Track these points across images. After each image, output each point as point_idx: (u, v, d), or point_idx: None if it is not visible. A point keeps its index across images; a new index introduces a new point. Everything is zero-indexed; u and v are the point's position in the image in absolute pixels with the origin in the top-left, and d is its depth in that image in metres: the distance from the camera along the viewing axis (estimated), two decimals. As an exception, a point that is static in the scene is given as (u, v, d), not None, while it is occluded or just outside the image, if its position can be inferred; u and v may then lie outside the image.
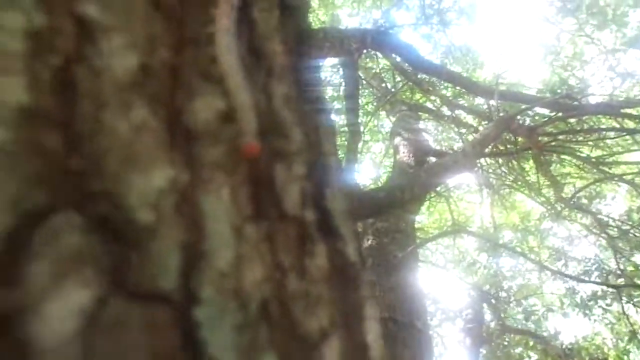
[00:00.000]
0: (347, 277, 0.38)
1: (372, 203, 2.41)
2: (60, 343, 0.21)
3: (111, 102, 0.25)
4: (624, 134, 5.29)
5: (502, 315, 7.53)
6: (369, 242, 3.90)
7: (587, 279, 6.14)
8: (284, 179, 0.32)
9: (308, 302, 0.32)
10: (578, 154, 5.72)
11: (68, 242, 0.22)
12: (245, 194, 0.30)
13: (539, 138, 4.76)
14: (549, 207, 6.78)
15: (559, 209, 6.55)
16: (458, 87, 6.40)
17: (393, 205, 2.49)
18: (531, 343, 7.89)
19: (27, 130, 0.23)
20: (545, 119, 4.86)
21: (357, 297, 0.39)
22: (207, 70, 0.29)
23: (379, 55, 6.52)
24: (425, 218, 8.25)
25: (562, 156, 5.94)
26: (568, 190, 6.45)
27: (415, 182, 2.65)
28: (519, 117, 4.89)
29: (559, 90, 5.65)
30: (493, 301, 7.33)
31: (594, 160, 5.74)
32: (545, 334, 7.79)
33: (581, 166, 6.10)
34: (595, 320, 7.38)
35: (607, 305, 7.23)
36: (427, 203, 7.42)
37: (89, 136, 0.24)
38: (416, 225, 5.71)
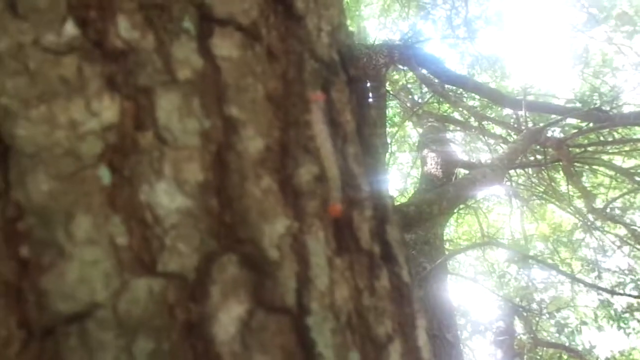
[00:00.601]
0: (403, 294, 0.49)
1: (401, 218, 2.50)
2: (229, 340, 0.33)
3: (249, 175, 0.36)
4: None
5: (534, 328, 7.43)
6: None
7: (621, 291, 6.03)
8: (359, 221, 0.43)
9: (377, 314, 0.43)
10: (610, 164, 5.68)
11: (230, 272, 0.34)
12: (332, 234, 0.41)
13: (569, 149, 4.77)
14: (580, 218, 6.71)
15: (591, 219, 6.47)
16: (485, 99, 6.44)
17: (422, 220, 2.57)
18: (565, 357, 7.75)
19: (202, 199, 0.34)
20: (575, 131, 4.86)
21: (410, 310, 0.49)
22: (307, 145, 0.40)
23: (406, 68, 6.61)
24: (454, 230, 8.26)
25: (594, 167, 5.90)
26: (600, 201, 6.39)
27: (444, 197, 2.73)
28: (548, 128, 4.90)
29: (588, 100, 5.63)
30: (524, 314, 7.25)
31: (627, 170, 5.69)
32: (579, 348, 7.65)
33: (614, 176, 6.04)
34: (630, 334, 7.22)
35: (643, 318, 7.06)
36: (455, 215, 7.43)
37: (236, 200, 0.36)
38: (445, 238, 5.75)
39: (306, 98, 0.42)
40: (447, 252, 5.06)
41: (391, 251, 0.47)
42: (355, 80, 0.51)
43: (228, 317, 0.33)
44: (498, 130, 6.96)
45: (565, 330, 7.64)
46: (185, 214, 0.33)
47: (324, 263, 0.39)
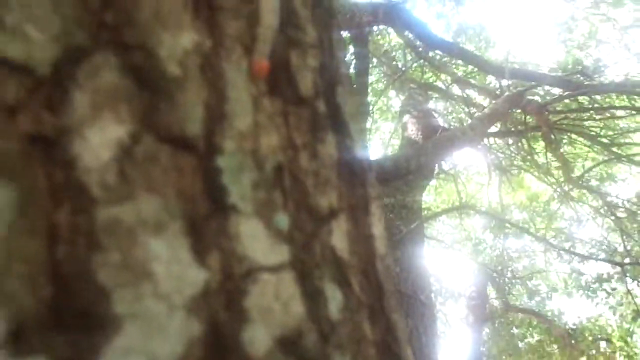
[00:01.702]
0: (354, 172, 0.40)
1: (378, 171, 2.43)
2: (100, 166, 0.24)
3: (142, -37, 0.27)
4: (636, 112, 5.23)
5: (506, 294, 7.58)
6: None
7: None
8: (299, 65, 0.34)
9: (318, 181, 0.35)
10: (588, 133, 5.68)
11: (106, 79, 0.25)
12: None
13: (549, 116, 4.73)
14: (557, 188, 6.76)
15: (568, 189, 6.53)
16: (470, 66, 6.35)
17: (399, 174, 2.51)
18: (534, 322, 7.95)
19: (67, -21, 0.25)
20: (556, 97, 4.82)
21: (363, 193, 0.41)
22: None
23: (390, 31, 6.46)
24: (432, 198, 8.27)
25: (573, 136, 5.90)
26: (578, 172, 6.42)
27: (421, 152, 2.66)
28: (529, 95, 4.85)
29: (571, 70, 5.58)
30: (498, 280, 7.37)
31: (604, 141, 5.70)
32: (549, 314, 7.85)
33: (591, 147, 6.06)
34: (598, 304, 7.41)
35: (611, 289, 7.24)
36: (434, 183, 7.43)
37: (122, -7, 0.26)
38: (423, 205, 5.73)
39: None
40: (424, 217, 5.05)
41: (341, 116, 0.38)
42: None
43: (100, 137, 0.24)
44: (480, 100, 6.89)
45: (536, 297, 7.81)
46: (41, -7, 0.24)
47: (246, 99, 0.30)
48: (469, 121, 4.77)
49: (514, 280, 7.83)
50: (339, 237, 0.35)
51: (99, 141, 0.24)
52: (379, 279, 0.40)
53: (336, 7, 0.44)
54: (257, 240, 0.28)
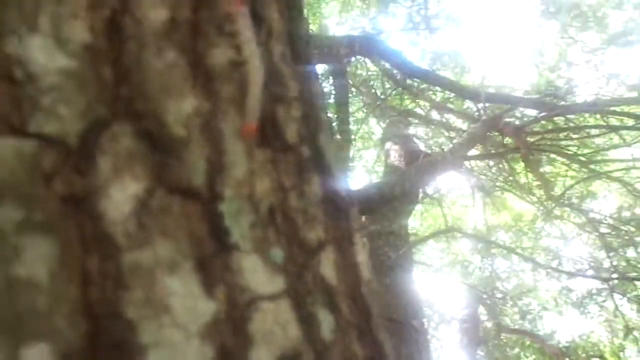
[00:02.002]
0: (338, 208, 0.45)
1: (363, 200, 2.48)
2: (122, 218, 0.28)
3: (149, 45, 0.32)
4: (609, 130, 5.40)
5: (498, 315, 7.58)
6: (363, 244, 3.95)
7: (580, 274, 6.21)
8: (284, 117, 0.39)
9: (306, 218, 0.39)
10: (566, 152, 5.83)
11: (124, 144, 0.29)
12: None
13: (527, 137, 4.87)
14: (540, 207, 6.87)
15: (550, 208, 6.64)
16: (447, 92, 6.52)
17: (384, 202, 2.56)
18: (527, 342, 7.94)
19: (89, 62, 0.30)
20: (532, 119, 4.97)
21: (347, 226, 0.46)
22: (221, 26, 0.36)
23: (368, 62, 6.63)
24: (418, 223, 8.34)
25: (552, 156, 6.05)
26: (559, 190, 6.55)
27: (405, 178, 2.73)
28: (506, 117, 5.00)
29: (545, 92, 5.77)
30: (488, 301, 7.39)
31: (582, 159, 5.85)
32: (541, 333, 7.85)
33: (570, 165, 6.21)
34: (592, 318, 7.45)
35: (602, 302, 7.30)
36: (420, 208, 7.51)
37: (133, 70, 0.31)
38: (410, 231, 5.78)
39: (222, -20, 0.38)
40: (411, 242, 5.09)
41: (323, 159, 0.43)
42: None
43: (121, 194, 0.29)
44: (459, 124, 7.05)
45: (528, 316, 7.82)
46: (69, 76, 0.29)
47: (240, 151, 0.35)
48: (450, 145, 4.89)
49: (504, 301, 7.85)
50: (327, 266, 0.40)
51: (121, 197, 0.28)
52: (365, 302, 0.44)
53: (313, 57, 0.49)
54: (256, 273, 0.33)
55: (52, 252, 0.26)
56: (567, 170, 6.37)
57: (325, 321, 0.37)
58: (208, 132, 0.33)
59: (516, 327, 7.80)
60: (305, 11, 0.51)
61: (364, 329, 0.42)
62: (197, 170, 0.32)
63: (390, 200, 2.69)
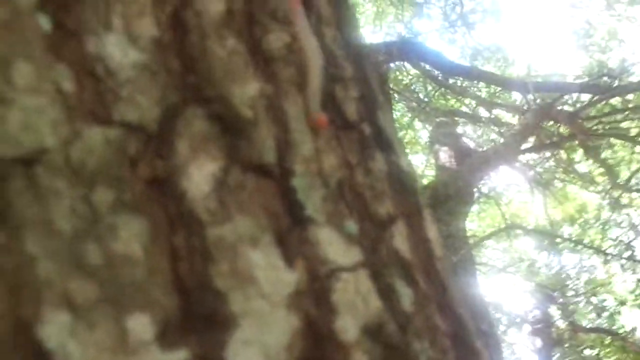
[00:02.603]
0: (404, 184, 0.45)
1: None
2: (203, 196, 0.30)
3: (211, 34, 0.34)
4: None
5: (572, 314, 7.21)
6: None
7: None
8: (342, 96, 0.40)
9: (374, 193, 0.39)
10: (628, 135, 5.53)
11: (197, 127, 0.31)
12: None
13: (583, 123, 4.66)
14: (605, 196, 6.53)
15: (617, 196, 6.30)
16: (492, 86, 6.36)
17: (439, 202, 2.51)
18: (607, 341, 7.49)
19: (158, 55, 0.31)
20: (586, 103, 4.77)
21: (415, 201, 0.45)
22: (275, 13, 0.37)
23: (407, 66, 6.59)
24: (476, 224, 8.11)
25: (612, 140, 5.76)
26: (624, 176, 6.21)
27: (458, 177, 2.67)
28: (558, 105, 4.82)
29: (597, 74, 5.52)
30: (560, 300, 7.05)
31: (645, 140, 5.53)
32: (620, 330, 7.39)
33: (633, 148, 5.88)
34: (675, 310, 6.96)
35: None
36: (476, 208, 7.31)
37: (198, 59, 0.33)
38: (469, 233, 5.63)
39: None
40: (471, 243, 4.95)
41: (386, 136, 0.44)
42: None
43: (200, 174, 0.30)
44: (509, 118, 6.85)
45: (604, 313, 7.39)
46: (142, 68, 0.31)
47: (305, 129, 0.35)
48: (501, 140, 4.75)
49: (577, 299, 7.46)
50: (400, 240, 0.40)
51: (200, 176, 0.30)
52: (441, 277, 0.43)
53: (365, 45, 0.50)
54: (333, 245, 0.33)
55: (143, 230, 0.27)
56: (631, 154, 6.04)
57: (404, 294, 0.37)
58: (273, 113, 0.34)
59: (592, 325, 7.39)
60: (355, 14, 0.52)
61: (442, 303, 0.42)
62: (266, 148, 0.33)
63: (445, 201, 2.64)
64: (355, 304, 0.32)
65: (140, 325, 0.25)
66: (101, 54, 0.30)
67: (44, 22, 0.28)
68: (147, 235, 0.27)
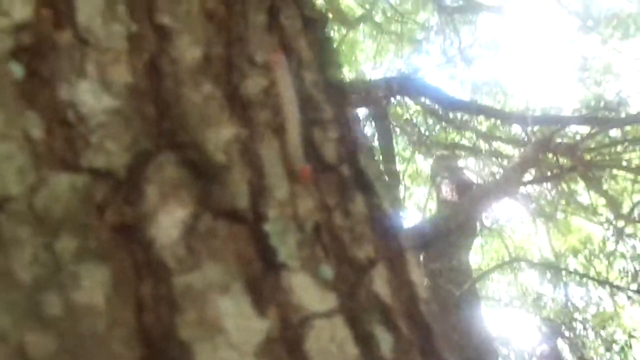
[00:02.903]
0: (386, 227, 0.45)
1: (417, 236, 2.43)
2: (172, 243, 0.29)
3: (186, 81, 0.34)
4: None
5: (581, 347, 7.05)
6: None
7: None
8: (321, 138, 0.40)
9: (353, 236, 0.39)
10: (629, 166, 5.53)
11: (169, 173, 0.31)
12: (292, 149, 0.38)
13: (583, 155, 4.67)
14: (609, 227, 6.48)
15: (621, 227, 6.25)
16: (491, 119, 6.41)
17: (440, 235, 2.49)
18: (618, 376, 7.30)
19: (133, 101, 0.32)
20: (586, 135, 4.79)
21: (397, 245, 0.45)
22: (252, 58, 0.38)
23: (408, 101, 6.66)
24: (480, 258, 8.03)
25: (613, 171, 5.75)
26: (627, 207, 6.18)
27: (459, 210, 2.66)
28: (558, 137, 4.83)
29: (594, 107, 5.57)
30: (567, 334, 6.90)
31: (646, 171, 5.53)
32: (632, 364, 7.20)
33: (635, 179, 5.87)
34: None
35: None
36: (479, 242, 7.24)
37: (173, 105, 0.33)
38: (473, 267, 5.56)
39: (249, 19, 0.40)
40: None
41: (366, 178, 0.43)
42: (310, 19, 0.49)
43: (169, 220, 0.30)
44: (509, 150, 6.87)
45: (614, 346, 7.22)
46: (114, 114, 0.31)
47: (281, 173, 0.35)
48: (501, 173, 4.75)
49: (585, 332, 7.30)
50: (380, 284, 0.39)
51: (169, 223, 0.29)
52: (425, 321, 0.42)
53: (346, 87, 0.50)
54: (307, 291, 0.32)
55: (107, 279, 0.27)
56: (633, 184, 6.02)
57: (384, 340, 0.36)
58: (248, 157, 0.34)
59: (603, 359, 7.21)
60: (339, 56, 0.52)
61: (426, 349, 0.41)
62: (240, 194, 0.33)
63: (446, 235, 2.62)
64: (329, 351, 0.31)
65: (99, 380, 0.24)
66: (73, 101, 0.30)
67: (17, 70, 0.29)
68: (111, 284, 0.27)
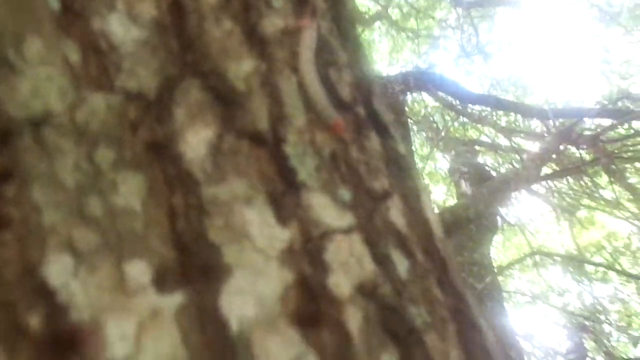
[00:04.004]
0: (401, 167, 0.46)
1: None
2: (199, 158, 0.31)
3: (208, 17, 0.36)
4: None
5: (608, 345, 6.91)
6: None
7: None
8: (337, 79, 0.42)
9: (369, 169, 0.41)
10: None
11: (194, 97, 0.33)
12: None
13: (605, 146, 4.60)
14: (635, 222, 6.36)
15: (646, 220, 6.12)
16: (511, 114, 6.34)
17: (460, 225, 2.48)
18: (648, 372, 7.13)
19: (158, 34, 0.34)
20: (608, 126, 4.71)
21: (412, 184, 0.47)
22: (269, 2, 0.40)
23: (425, 97, 6.63)
24: (502, 254, 7.94)
25: (637, 165, 5.64)
26: (652, 200, 6.04)
27: (478, 199, 2.65)
28: (579, 130, 4.77)
29: (617, 99, 5.47)
30: (593, 330, 6.77)
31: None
32: (662, 360, 7.03)
33: (660, 171, 5.74)
34: None
35: None
36: (501, 238, 7.16)
37: (196, 39, 0.35)
38: (494, 263, 5.50)
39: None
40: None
41: (380, 119, 0.45)
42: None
43: (196, 138, 0.32)
44: (530, 146, 6.78)
45: (643, 342, 7.06)
46: (142, 44, 0.33)
47: (299, 104, 0.37)
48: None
49: (612, 328, 7.16)
50: (396, 214, 0.41)
51: (196, 141, 0.32)
52: (442, 255, 0.44)
53: (360, 38, 0.52)
54: (326, 209, 0.34)
55: (142, 186, 0.29)
56: (658, 177, 5.88)
57: (400, 262, 0.38)
58: (267, 88, 0.36)
59: (630, 356, 7.06)
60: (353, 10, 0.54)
61: (442, 279, 0.42)
62: (260, 118, 0.35)
63: (466, 224, 2.61)
64: (348, 263, 0.33)
65: (138, 270, 0.27)
66: (105, 31, 0.32)
67: (53, 3, 0.31)
68: (145, 191, 0.29)
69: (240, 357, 0.26)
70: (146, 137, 0.31)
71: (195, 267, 0.28)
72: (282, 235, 0.32)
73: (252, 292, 0.29)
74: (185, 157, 0.31)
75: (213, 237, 0.29)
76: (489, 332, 0.44)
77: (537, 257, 5.92)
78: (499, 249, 7.84)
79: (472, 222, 2.68)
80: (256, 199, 0.32)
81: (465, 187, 5.35)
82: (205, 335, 0.26)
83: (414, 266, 0.39)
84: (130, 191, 0.29)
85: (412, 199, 0.45)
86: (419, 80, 5.17)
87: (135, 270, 0.27)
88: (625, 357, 7.12)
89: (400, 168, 0.46)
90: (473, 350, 0.39)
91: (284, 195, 0.33)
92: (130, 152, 0.30)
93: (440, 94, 5.96)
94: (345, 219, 0.35)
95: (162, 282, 0.27)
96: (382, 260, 0.36)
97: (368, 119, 0.44)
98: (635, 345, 7.01)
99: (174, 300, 0.27)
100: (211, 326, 0.27)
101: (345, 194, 0.36)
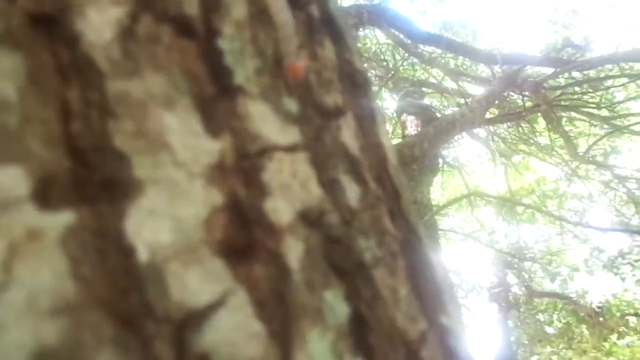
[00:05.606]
0: (357, 84, 0.40)
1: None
2: (104, 43, 0.24)
3: None
4: (629, 80, 5.22)
5: (528, 280, 7.49)
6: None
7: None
8: (287, -31, 0.35)
9: (320, 80, 0.35)
10: (588, 110, 5.66)
11: (99, -39, 0.25)
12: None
13: (547, 93, 4.73)
14: (564, 167, 6.72)
15: (574, 167, 6.49)
16: (460, 57, 6.36)
17: (404, 164, 2.49)
18: (560, 305, 7.84)
19: None
20: (551, 73, 4.82)
21: (367, 104, 0.41)
22: None
23: (377, 33, 6.51)
24: (439, 194, 8.24)
25: (573, 114, 5.88)
26: (582, 149, 6.38)
27: (424, 138, 2.66)
28: (524, 75, 4.86)
29: (561, 49, 5.58)
30: (516, 267, 7.30)
31: (604, 114, 5.68)
32: (572, 295, 7.74)
33: (592, 123, 6.03)
34: (624, 278, 7.31)
35: (634, 261, 7.16)
36: (440, 179, 7.41)
37: None
38: (433, 203, 5.69)
39: None
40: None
41: (336, 26, 0.39)
42: None
43: (100, 16, 0.24)
44: (475, 90, 6.88)
45: (558, 279, 7.71)
46: None
47: (239, -7, 0.30)
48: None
49: (533, 266, 7.74)
50: (348, 135, 0.35)
51: (100, 20, 0.24)
52: (394, 183, 0.39)
53: None
54: (267, 121, 0.28)
55: (20, 70, 0.22)
56: (590, 127, 6.19)
57: (350, 189, 0.33)
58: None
59: (546, 290, 7.70)
60: None
61: (394, 209, 0.38)
62: (189, 0, 0.27)
63: (411, 162, 2.63)
64: (290, 186, 0.28)
65: (11, 179, 0.20)
66: None
67: None
68: (25, 76, 0.22)
69: (149, 293, 0.21)
70: (30, 7, 0.23)
71: (94, 181, 0.22)
72: (210, 148, 0.25)
73: (168, 214, 0.23)
74: (85, 39, 0.24)
75: (120, 145, 0.23)
76: (439, 267, 0.41)
77: (472, 198, 6.19)
78: (437, 189, 8.13)
79: (416, 160, 2.70)
80: (179, 101, 0.25)
81: (410, 127, 5.41)
82: (103, 265, 0.20)
83: (365, 194, 0.34)
84: (2, 74, 0.21)
85: (367, 121, 0.39)
86: (373, 15, 5.03)
87: (7, 179, 0.20)
88: (542, 290, 7.75)
89: (355, 84, 0.40)
90: (423, 287, 0.35)
91: (215, 100, 0.27)
92: (4, 23, 0.22)
93: (393, 31, 5.85)
94: (289, 135, 0.29)
95: (45, 196, 0.21)
96: (329, 185, 0.31)
97: (322, 23, 0.37)
98: (552, 280, 7.64)
99: (61, 219, 0.20)
100: (112, 254, 0.21)
101: (291, 104, 0.30)
